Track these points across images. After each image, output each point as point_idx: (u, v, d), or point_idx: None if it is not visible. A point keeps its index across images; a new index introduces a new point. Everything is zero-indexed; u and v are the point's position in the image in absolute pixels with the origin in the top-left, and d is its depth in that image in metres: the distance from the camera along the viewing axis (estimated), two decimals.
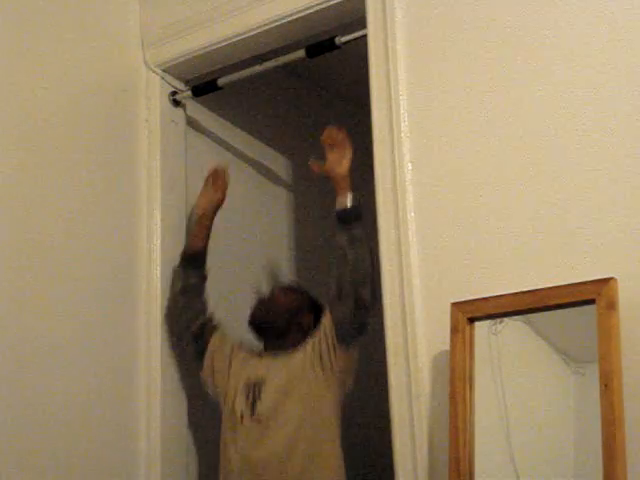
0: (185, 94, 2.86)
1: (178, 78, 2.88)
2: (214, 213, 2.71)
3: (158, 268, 2.69)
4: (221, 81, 2.81)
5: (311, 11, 2.47)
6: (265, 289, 2.74)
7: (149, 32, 2.83)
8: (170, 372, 2.65)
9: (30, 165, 2.39)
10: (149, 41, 2.82)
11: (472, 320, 1.95)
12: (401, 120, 2.19)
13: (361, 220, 2.33)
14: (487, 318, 1.94)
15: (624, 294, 1.76)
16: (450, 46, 2.17)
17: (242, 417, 2.41)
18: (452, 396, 1.92)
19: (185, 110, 2.92)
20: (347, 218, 2.33)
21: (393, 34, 2.25)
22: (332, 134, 2.40)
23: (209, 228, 2.69)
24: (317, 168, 2.43)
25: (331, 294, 2.36)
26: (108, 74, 2.71)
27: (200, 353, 2.59)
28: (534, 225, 1.98)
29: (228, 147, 3.18)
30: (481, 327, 1.95)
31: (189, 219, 2.79)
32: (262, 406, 2.39)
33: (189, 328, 2.61)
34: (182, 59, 2.79)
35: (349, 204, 2.34)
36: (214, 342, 2.59)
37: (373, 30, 2.30)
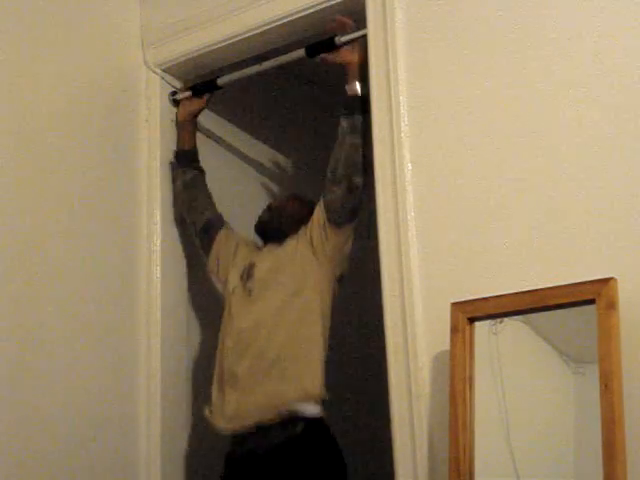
0: (185, 94, 2.86)
1: (178, 78, 2.89)
2: (195, 117, 2.85)
3: (158, 268, 2.69)
4: (221, 81, 2.81)
5: (311, 11, 2.47)
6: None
7: (149, 32, 2.83)
8: (170, 372, 2.65)
9: (30, 165, 2.39)
10: (149, 41, 2.82)
11: (472, 320, 1.95)
12: (401, 120, 2.20)
13: (364, 113, 2.36)
14: (487, 318, 1.94)
15: (624, 294, 1.76)
16: (450, 46, 2.17)
17: (234, 291, 2.54)
18: (452, 396, 1.92)
19: None
20: (354, 105, 2.39)
21: (393, 34, 2.25)
22: (344, 20, 2.42)
23: (193, 131, 2.84)
24: (330, 57, 2.48)
25: (326, 176, 2.44)
26: (108, 74, 2.71)
27: (207, 247, 2.70)
28: (534, 225, 1.98)
29: (228, 147, 3.18)
30: (481, 327, 1.95)
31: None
32: (252, 281, 2.51)
33: (194, 224, 2.72)
34: (182, 59, 2.79)
35: (359, 91, 2.39)
36: (220, 238, 2.69)
37: (373, 30, 2.30)
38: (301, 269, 2.45)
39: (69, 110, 2.54)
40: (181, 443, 2.67)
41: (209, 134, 3.02)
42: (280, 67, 2.74)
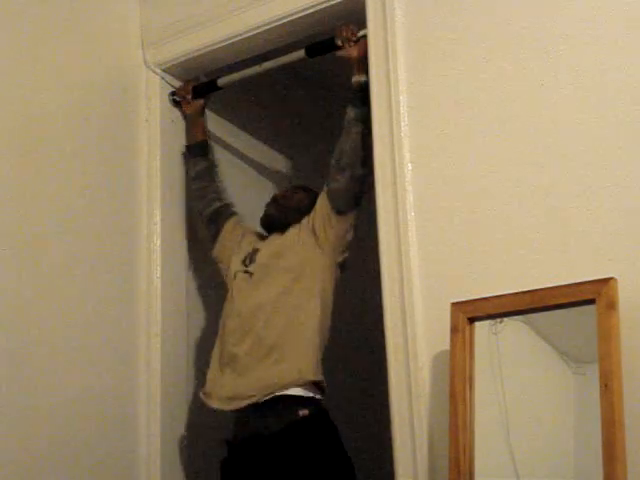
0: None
1: (178, 78, 2.89)
2: (202, 112, 2.88)
3: (158, 268, 2.69)
4: (221, 81, 2.81)
5: (311, 11, 2.47)
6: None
7: (149, 32, 2.83)
8: (170, 372, 2.65)
9: (30, 165, 2.39)
10: (149, 41, 2.82)
11: (472, 320, 1.95)
12: (401, 120, 2.20)
13: (369, 104, 2.35)
14: (487, 318, 1.94)
15: (624, 294, 1.76)
16: (450, 46, 2.17)
17: (235, 275, 2.58)
18: (452, 396, 1.92)
19: None
20: (361, 96, 2.40)
21: (393, 34, 2.25)
22: (347, 31, 2.44)
23: (203, 124, 2.88)
24: (339, 53, 2.48)
25: (331, 164, 2.47)
26: (108, 74, 2.71)
27: (214, 235, 2.73)
28: (534, 225, 1.97)
29: (228, 147, 3.18)
30: (481, 327, 1.95)
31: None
32: (254, 266, 2.55)
33: (202, 213, 2.76)
34: (182, 59, 2.79)
35: (363, 82, 2.39)
36: (227, 227, 2.73)
37: (373, 30, 2.30)
38: (303, 256, 2.48)
39: (69, 110, 2.54)
40: (181, 443, 2.67)
41: (209, 134, 3.02)
42: (280, 67, 2.74)
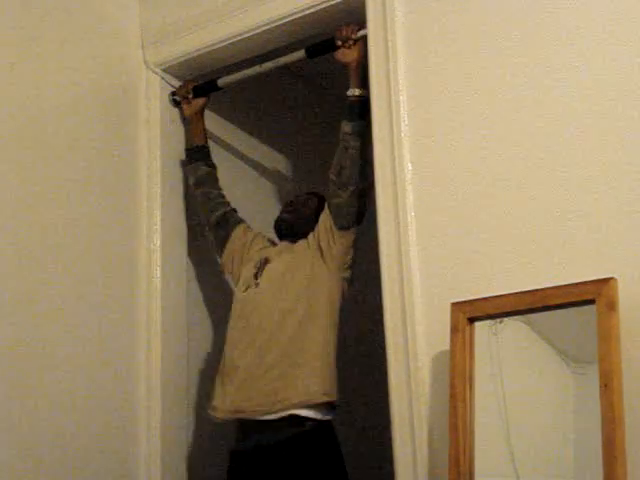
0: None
1: (178, 78, 2.89)
2: (202, 113, 2.87)
3: (158, 268, 2.69)
4: (221, 81, 2.81)
5: (311, 11, 2.47)
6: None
7: (149, 32, 2.83)
8: (170, 372, 2.65)
9: (30, 165, 2.39)
10: (149, 41, 2.82)
11: (472, 320, 1.95)
12: (401, 120, 2.20)
13: (366, 117, 2.36)
14: (487, 318, 1.94)
15: (624, 294, 1.76)
16: (450, 46, 2.17)
17: (243, 287, 2.57)
18: (452, 396, 1.92)
19: None
20: (357, 109, 2.40)
21: (393, 34, 2.25)
22: (348, 30, 2.43)
23: (202, 127, 2.87)
24: (337, 56, 2.48)
25: (331, 180, 2.46)
26: (108, 74, 2.71)
27: (222, 240, 2.73)
28: (534, 225, 1.97)
29: (228, 147, 3.18)
30: (481, 327, 1.95)
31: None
32: (263, 277, 2.54)
33: (209, 219, 2.76)
34: (182, 59, 2.79)
35: (359, 95, 2.41)
36: (237, 232, 2.73)
37: (373, 30, 2.30)
38: (310, 272, 2.47)
39: (69, 110, 2.54)
40: (181, 443, 2.67)
41: (209, 134, 3.02)
42: (280, 67, 2.74)
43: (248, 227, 2.76)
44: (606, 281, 1.76)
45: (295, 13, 2.50)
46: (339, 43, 2.46)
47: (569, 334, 1.91)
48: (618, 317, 1.73)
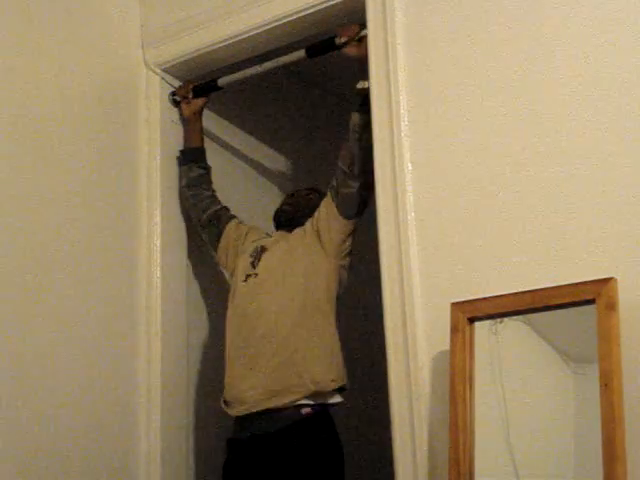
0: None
1: (178, 78, 2.89)
2: (200, 114, 2.87)
3: (158, 268, 2.69)
4: (221, 81, 2.81)
5: (311, 11, 2.47)
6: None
7: (149, 32, 2.83)
8: (170, 372, 2.65)
9: (30, 165, 2.39)
10: (149, 41, 2.82)
11: (472, 320, 1.95)
12: (401, 120, 2.20)
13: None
14: (487, 318, 1.94)
15: (624, 294, 1.76)
16: (450, 46, 2.17)
17: (242, 277, 2.57)
18: (452, 396, 1.92)
19: None
20: (368, 100, 2.37)
21: (393, 34, 2.25)
22: (355, 28, 2.43)
23: (199, 128, 2.87)
24: (347, 50, 2.47)
25: (341, 170, 2.46)
26: (108, 74, 2.71)
27: (216, 236, 2.75)
28: (534, 225, 1.97)
29: (228, 147, 3.18)
30: (481, 327, 1.95)
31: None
32: (261, 266, 2.55)
33: (200, 218, 2.77)
34: (182, 59, 2.79)
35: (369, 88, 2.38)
36: (230, 227, 2.74)
37: (373, 30, 2.30)
38: (308, 259, 2.49)
39: (69, 110, 2.54)
40: (181, 443, 2.66)
41: (209, 134, 3.02)
42: (280, 67, 2.74)
43: (241, 222, 2.78)
44: (606, 281, 1.76)
45: (295, 13, 2.50)
46: (343, 40, 2.45)
47: (569, 334, 1.91)
48: (618, 317, 1.73)
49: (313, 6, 2.46)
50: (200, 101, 2.85)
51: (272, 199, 3.31)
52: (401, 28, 2.25)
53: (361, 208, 2.48)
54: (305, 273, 2.47)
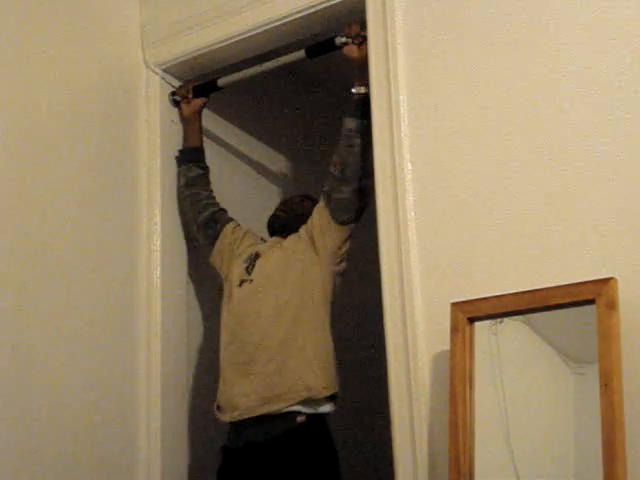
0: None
1: (178, 78, 2.89)
2: (200, 113, 2.87)
3: (158, 268, 2.69)
4: (221, 81, 2.81)
5: (311, 11, 2.47)
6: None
7: (149, 32, 2.83)
8: (170, 372, 2.65)
9: (30, 165, 2.39)
10: (149, 41, 2.82)
11: (472, 320, 1.95)
12: (401, 120, 2.20)
13: (369, 115, 2.34)
14: (487, 318, 1.94)
15: (624, 294, 1.76)
16: (450, 46, 2.17)
17: (236, 282, 2.56)
18: (452, 396, 1.92)
19: None
20: (362, 105, 2.39)
21: (393, 34, 2.25)
22: (357, 27, 2.43)
23: (198, 128, 2.86)
24: (345, 51, 2.48)
25: (332, 175, 2.45)
26: (108, 74, 2.71)
27: (212, 239, 2.73)
28: (534, 225, 1.97)
29: (228, 147, 3.18)
30: (481, 327, 1.95)
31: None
32: (255, 272, 2.54)
33: (197, 219, 2.75)
34: (182, 59, 2.79)
35: (366, 91, 2.37)
36: (227, 230, 2.72)
37: (373, 30, 2.30)
38: (302, 266, 2.47)
39: (69, 110, 2.54)
40: (181, 443, 2.67)
41: (209, 134, 3.02)
42: (280, 67, 2.74)
43: (238, 225, 2.76)
44: (606, 281, 1.76)
45: (295, 13, 2.50)
46: (344, 40, 2.45)
47: (569, 334, 1.91)
48: (618, 317, 1.73)
49: (313, 6, 2.46)
50: (200, 101, 2.85)
51: (272, 199, 3.32)
52: (401, 28, 2.25)
53: (354, 214, 2.46)
54: (299, 279, 2.46)
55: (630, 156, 1.87)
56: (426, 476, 2.01)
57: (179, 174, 2.82)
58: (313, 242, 2.48)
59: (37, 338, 2.31)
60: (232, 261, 2.64)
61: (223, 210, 2.79)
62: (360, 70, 2.41)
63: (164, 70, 2.84)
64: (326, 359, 2.41)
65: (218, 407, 2.49)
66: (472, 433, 1.89)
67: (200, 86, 2.84)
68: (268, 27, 2.58)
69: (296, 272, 2.47)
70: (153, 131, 2.78)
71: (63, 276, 2.42)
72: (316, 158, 3.35)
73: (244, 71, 2.77)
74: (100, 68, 2.68)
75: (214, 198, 2.81)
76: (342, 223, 2.45)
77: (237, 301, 2.53)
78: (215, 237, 2.72)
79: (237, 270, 2.59)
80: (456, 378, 1.92)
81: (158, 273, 2.68)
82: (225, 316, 2.56)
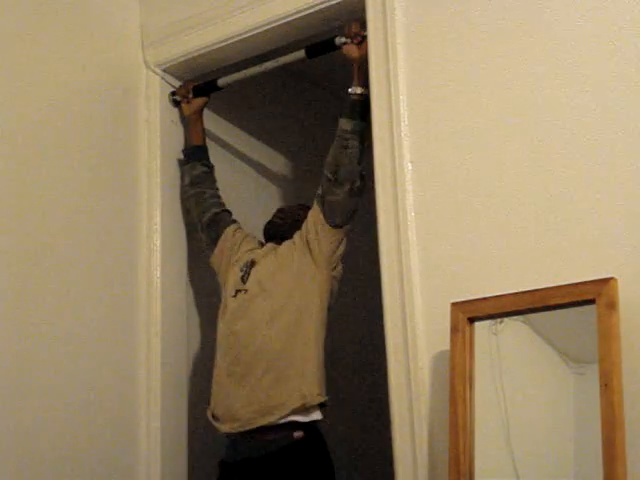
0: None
1: (178, 78, 2.89)
2: (201, 113, 2.87)
3: (158, 268, 2.69)
4: (221, 81, 2.81)
5: (311, 11, 2.47)
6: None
7: (149, 32, 2.83)
8: (170, 372, 2.65)
9: (30, 165, 2.39)
10: (149, 41, 2.83)
11: (472, 320, 1.95)
12: (401, 120, 2.20)
13: (367, 116, 2.35)
14: (487, 318, 1.94)
15: (624, 294, 1.76)
16: (450, 46, 2.17)
17: (232, 291, 2.54)
18: (452, 396, 1.92)
19: None
20: (358, 107, 2.39)
21: (393, 34, 2.25)
22: (356, 26, 2.42)
23: (200, 127, 2.86)
24: (344, 50, 2.47)
25: (326, 177, 2.45)
26: (108, 74, 2.71)
27: (213, 240, 2.71)
28: (534, 225, 1.97)
29: (228, 147, 3.18)
30: (481, 327, 1.95)
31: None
32: (250, 281, 2.52)
33: (201, 219, 2.74)
34: (182, 59, 2.79)
35: (363, 92, 2.39)
36: (228, 232, 2.70)
37: (373, 30, 2.30)
38: (297, 272, 2.46)
39: (69, 110, 2.54)
40: (181, 443, 2.66)
41: (209, 134, 3.02)
42: (280, 67, 2.74)
43: (239, 228, 2.74)
44: (606, 281, 1.76)
45: (295, 13, 2.50)
46: (343, 40, 2.45)
47: (569, 334, 1.91)
48: (618, 317, 1.73)
49: (313, 6, 2.46)
50: (200, 101, 2.84)
51: (272, 199, 3.32)
52: (401, 28, 2.25)
53: (349, 216, 2.45)
54: (295, 287, 2.44)
55: (630, 156, 1.87)
56: (426, 476, 2.01)
57: (183, 173, 2.81)
58: (309, 248, 2.46)
59: (37, 338, 2.31)
60: (229, 268, 2.63)
61: (226, 211, 2.77)
62: (359, 70, 2.41)
63: (164, 70, 2.84)
64: (319, 366, 2.40)
65: (214, 416, 2.47)
66: (472, 433, 1.89)
67: (200, 86, 2.84)
68: (268, 27, 2.58)
69: (291, 279, 2.46)
70: (153, 131, 2.78)
71: (63, 276, 2.42)
72: (316, 158, 3.35)
73: (244, 71, 2.77)
74: (100, 68, 2.68)
75: (219, 197, 2.79)
76: (336, 226, 2.44)
77: (231, 312, 2.51)
78: (217, 239, 2.71)
79: (233, 278, 2.57)
80: (456, 378, 1.92)
81: (158, 273, 2.68)
82: (221, 327, 2.54)
